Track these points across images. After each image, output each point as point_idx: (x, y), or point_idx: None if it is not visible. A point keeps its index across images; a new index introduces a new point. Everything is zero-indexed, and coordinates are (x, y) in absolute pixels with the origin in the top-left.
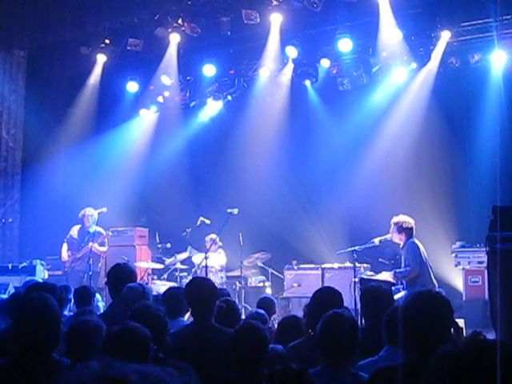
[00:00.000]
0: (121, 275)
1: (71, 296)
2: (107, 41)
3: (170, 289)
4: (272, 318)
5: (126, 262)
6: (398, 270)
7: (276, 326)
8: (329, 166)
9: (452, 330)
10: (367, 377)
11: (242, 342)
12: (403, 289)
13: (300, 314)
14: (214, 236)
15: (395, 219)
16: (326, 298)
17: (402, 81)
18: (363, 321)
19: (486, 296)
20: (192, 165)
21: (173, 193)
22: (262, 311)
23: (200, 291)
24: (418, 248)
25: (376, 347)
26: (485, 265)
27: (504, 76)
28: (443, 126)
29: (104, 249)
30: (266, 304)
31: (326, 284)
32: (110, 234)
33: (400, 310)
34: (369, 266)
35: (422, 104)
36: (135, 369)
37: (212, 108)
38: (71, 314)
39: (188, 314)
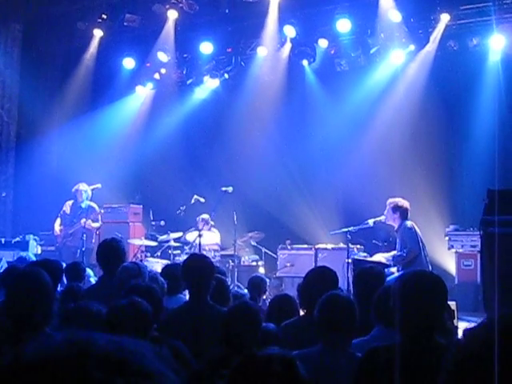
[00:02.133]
0: (108, 252)
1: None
2: (104, 16)
3: (167, 266)
4: (264, 298)
5: (115, 237)
6: (397, 254)
7: (268, 305)
8: (324, 147)
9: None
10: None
11: (235, 321)
12: (398, 271)
13: (293, 293)
14: (205, 216)
15: (390, 200)
16: (321, 277)
17: (399, 63)
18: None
19: (479, 279)
20: (187, 142)
21: (168, 170)
22: (244, 292)
23: (198, 269)
24: (415, 230)
25: (369, 327)
26: (478, 249)
27: (502, 60)
28: (440, 109)
29: (97, 225)
30: (256, 283)
31: (319, 264)
32: (103, 211)
33: (394, 288)
34: (362, 247)
35: (420, 86)
36: (102, 336)
37: (209, 86)
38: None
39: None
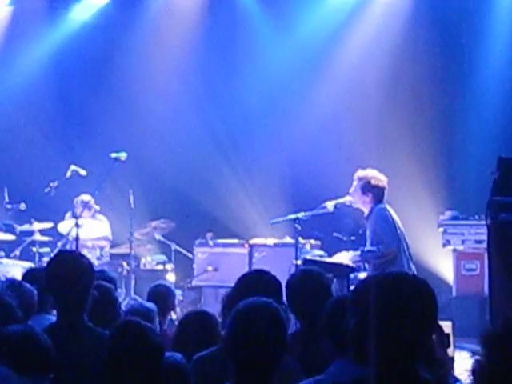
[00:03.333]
0: None
1: None
2: None
3: (31, 271)
4: (174, 317)
5: None
6: (366, 249)
7: (176, 326)
8: (264, 100)
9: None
10: None
11: (121, 349)
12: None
13: (216, 309)
14: (86, 197)
15: (360, 173)
16: (256, 286)
17: None
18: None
19: (486, 290)
20: (61, 88)
21: (31, 129)
22: (149, 305)
23: (67, 273)
24: (392, 217)
25: (320, 361)
26: (485, 245)
27: None
28: (434, 50)
29: None
30: (160, 295)
31: (255, 267)
32: None
33: (354, 298)
34: (318, 242)
35: (404, 16)
36: None
37: (93, 2)
38: None
39: None
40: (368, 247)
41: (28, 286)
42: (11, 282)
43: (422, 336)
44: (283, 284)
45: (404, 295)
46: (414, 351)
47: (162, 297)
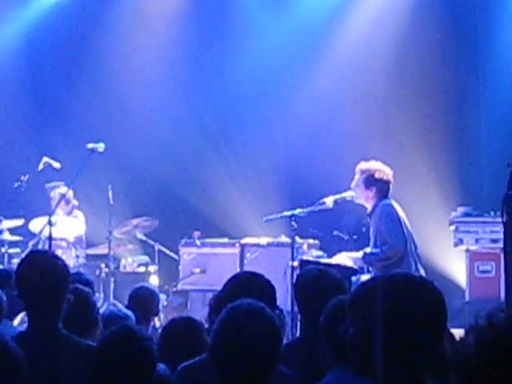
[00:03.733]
0: None
1: None
2: None
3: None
4: (158, 324)
5: None
6: (369, 251)
7: (159, 334)
8: (258, 86)
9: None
10: None
11: (108, 358)
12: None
13: (203, 315)
14: (64, 189)
15: (362, 165)
16: (245, 289)
17: None
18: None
19: (502, 294)
20: (32, 73)
21: None
22: (127, 312)
23: (39, 276)
24: (398, 215)
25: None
26: (501, 244)
27: None
28: (446, 35)
29: None
30: (142, 299)
31: (247, 269)
32: None
33: (357, 301)
34: (317, 241)
35: None
36: None
37: None
38: None
39: (22, 315)
40: (371, 249)
41: None
42: None
43: (431, 343)
44: (282, 287)
45: (409, 298)
46: (422, 360)
47: (144, 301)
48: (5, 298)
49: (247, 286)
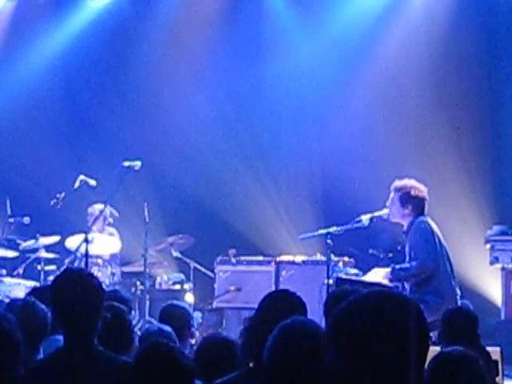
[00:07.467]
0: None
1: None
2: None
3: (36, 290)
4: (193, 342)
5: None
6: (398, 266)
7: (194, 352)
8: (293, 105)
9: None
10: None
11: (146, 375)
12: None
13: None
14: (102, 206)
15: (398, 183)
16: (278, 308)
17: None
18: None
19: None
20: (68, 91)
21: (35, 135)
22: (167, 328)
23: (75, 294)
24: (433, 232)
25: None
26: None
27: None
28: (482, 49)
29: None
30: (172, 316)
31: (283, 287)
32: None
33: (334, 329)
34: (352, 260)
35: (448, 6)
36: None
37: None
38: None
39: None
40: (403, 265)
41: (42, 306)
42: (25, 302)
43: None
44: (318, 305)
45: (387, 318)
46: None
47: (175, 318)
48: (49, 315)
49: (280, 304)
